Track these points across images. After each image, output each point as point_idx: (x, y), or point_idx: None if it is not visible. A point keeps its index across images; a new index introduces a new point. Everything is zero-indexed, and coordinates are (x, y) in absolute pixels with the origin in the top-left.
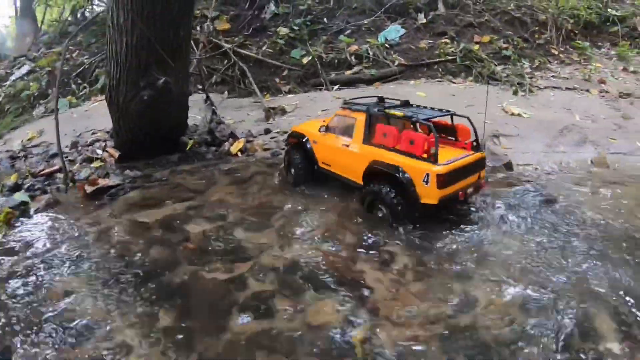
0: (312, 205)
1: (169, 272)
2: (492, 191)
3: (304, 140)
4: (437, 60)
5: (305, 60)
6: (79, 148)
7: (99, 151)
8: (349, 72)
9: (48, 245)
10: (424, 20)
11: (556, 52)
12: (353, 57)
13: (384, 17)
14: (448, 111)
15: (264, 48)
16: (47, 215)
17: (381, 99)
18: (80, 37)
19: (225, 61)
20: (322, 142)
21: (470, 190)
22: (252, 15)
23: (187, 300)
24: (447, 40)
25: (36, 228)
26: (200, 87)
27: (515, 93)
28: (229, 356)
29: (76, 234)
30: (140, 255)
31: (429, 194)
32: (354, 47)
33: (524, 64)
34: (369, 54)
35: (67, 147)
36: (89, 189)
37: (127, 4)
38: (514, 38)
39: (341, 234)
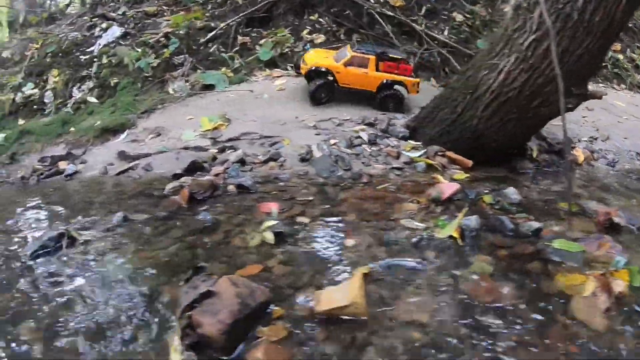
0: None
1: None
2: None
3: (326, 71)
4: None
5: None
6: (360, 146)
7: (409, 153)
8: None
9: None
10: None
11: None
12: None
13: None
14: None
15: (445, 33)
16: None
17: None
18: None
19: (415, 43)
20: (346, 72)
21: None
22: None
23: None
24: None
25: None
26: None
27: None
28: None
29: None
30: None
31: (412, 91)
32: None
33: None
34: None
35: (340, 143)
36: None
37: (613, 4)
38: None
39: None
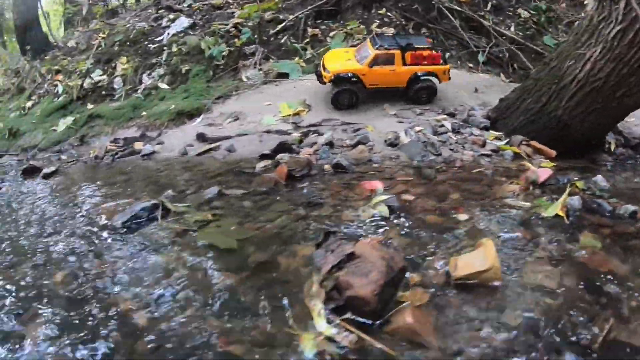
0: None
1: None
2: None
3: (351, 75)
4: None
5: None
6: (445, 134)
7: (494, 142)
8: None
9: None
10: None
11: None
12: None
13: None
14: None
15: (511, 29)
16: None
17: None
18: None
19: (483, 39)
20: (372, 73)
21: None
22: None
23: None
24: None
25: None
26: None
27: None
28: None
29: None
30: None
31: (444, 79)
32: None
33: None
34: None
35: (425, 130)
36: None
37: None
38: None
39: None
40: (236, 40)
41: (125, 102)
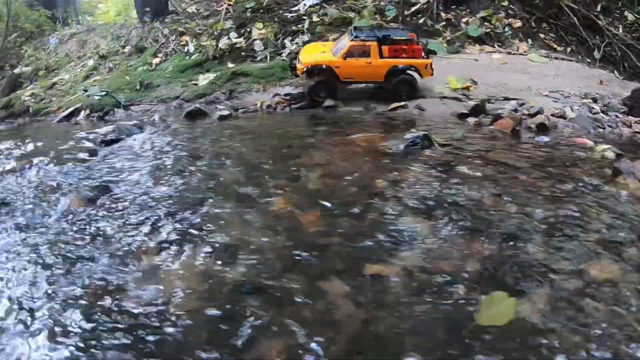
0: None
1: None
2: None
3: (324, 67)
4: None
5: None
6: (598, 114)
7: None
8: None
9: None
10: None
11: None
12: None
13: None
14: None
15: (620, 30)
16: None
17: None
18: None
19: (597, 37)
20: (346, 65)
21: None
22: None
23: None
24: None
25: None
26: None
27: None
28: None
29: None
30: None
31: (426, 74)
32: None
33: None
34: None
35: (582, 109)
36: None
37: None
38: None
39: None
40: (377, 16)
41: (272, 63)
